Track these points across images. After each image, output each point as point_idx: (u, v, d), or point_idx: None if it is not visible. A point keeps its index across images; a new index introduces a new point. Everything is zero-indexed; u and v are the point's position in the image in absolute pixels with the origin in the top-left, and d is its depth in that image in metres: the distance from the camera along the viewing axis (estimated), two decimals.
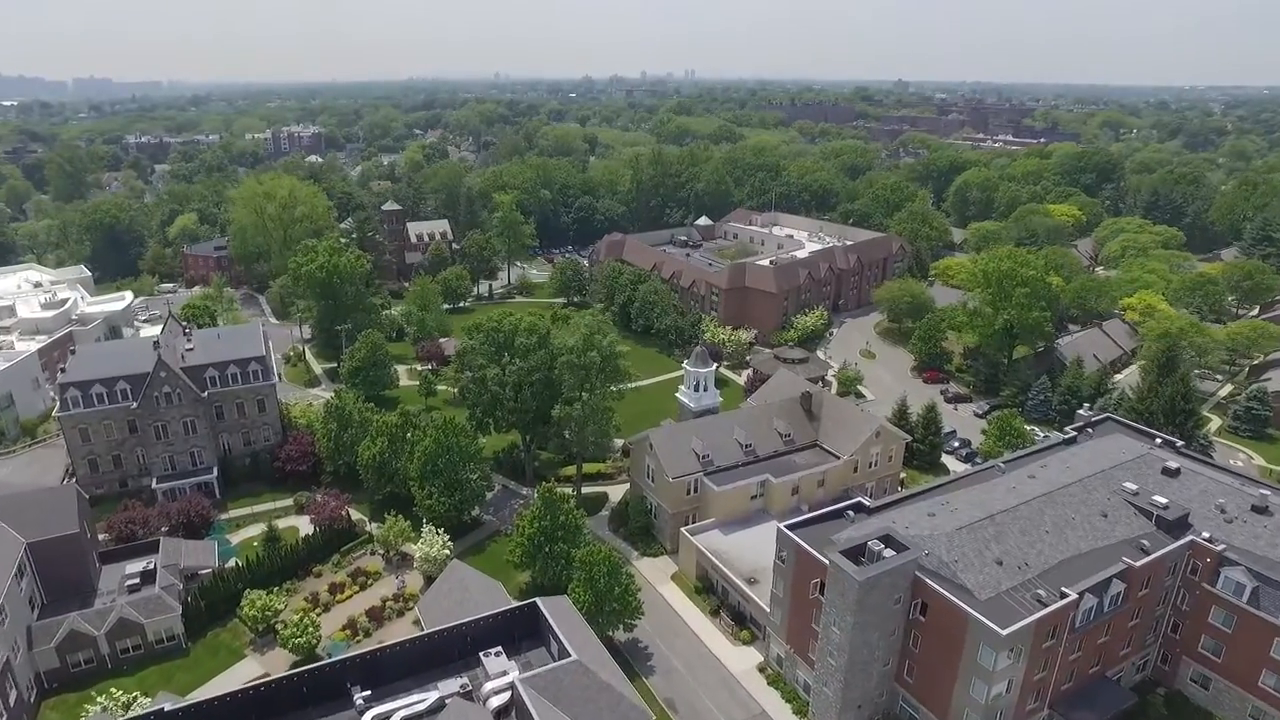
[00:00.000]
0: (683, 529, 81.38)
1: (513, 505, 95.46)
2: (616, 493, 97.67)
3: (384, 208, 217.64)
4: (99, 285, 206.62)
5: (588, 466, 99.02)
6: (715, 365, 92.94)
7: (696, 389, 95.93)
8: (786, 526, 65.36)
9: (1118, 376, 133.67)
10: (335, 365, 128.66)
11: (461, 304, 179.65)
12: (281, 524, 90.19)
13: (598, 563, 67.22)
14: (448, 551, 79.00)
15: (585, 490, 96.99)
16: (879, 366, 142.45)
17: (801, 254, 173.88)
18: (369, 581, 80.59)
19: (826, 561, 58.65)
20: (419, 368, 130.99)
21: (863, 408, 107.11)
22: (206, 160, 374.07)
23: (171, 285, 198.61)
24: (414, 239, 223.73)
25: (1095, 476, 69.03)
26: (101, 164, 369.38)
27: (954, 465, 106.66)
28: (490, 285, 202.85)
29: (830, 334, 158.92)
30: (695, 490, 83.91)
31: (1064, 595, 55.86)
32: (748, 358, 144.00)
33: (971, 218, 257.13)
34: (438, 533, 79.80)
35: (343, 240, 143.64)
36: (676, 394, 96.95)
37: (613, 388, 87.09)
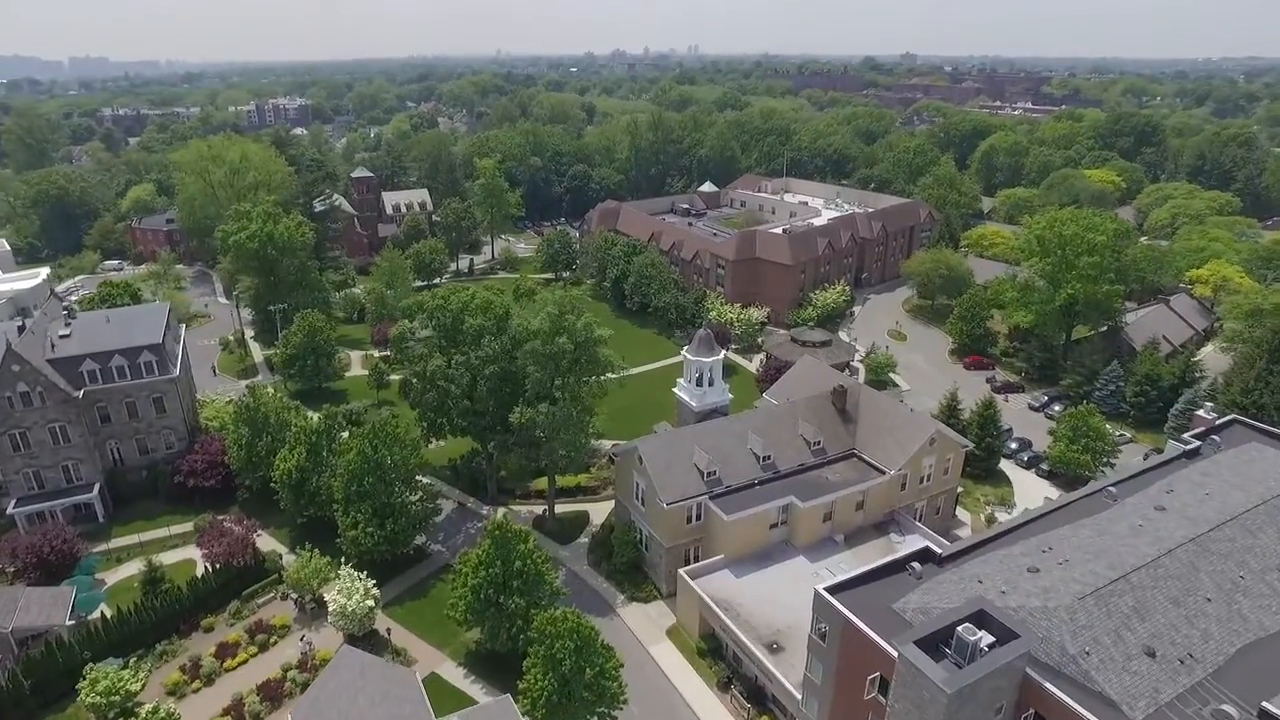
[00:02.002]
0: (681, 571, 62.19)
1: (469, 530, 76.42)
2: (601, 511, 78.58)
3: (353, 175, 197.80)
4: (46, 262, 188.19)
5: (566, 478, 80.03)
6: (723, 352, 73.57)
7: (699, 383, 76.39)
8: (829, 590, 46.02)
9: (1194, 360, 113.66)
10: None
11: (437, 281, 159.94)
12: (174, 557, 71.45)
13: (562, 635, 48.14)
14: (371, 603, 60.02)
15: (561, 509, 77.93)
16: (911, 350, 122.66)
17: (819, 222, 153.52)
18: (272, 639, 61.71)
19: (893, 653, 39.44)
20: (375, 353, 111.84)
21: (901, 399, 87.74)
22: (181, 132, 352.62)
23: (117, 262, 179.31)
24: (390, 210, 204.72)
25: (1260, 510, 49.51)
26: (66, 135, 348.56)
27: (1015, 473, 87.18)
28: (471, 260, 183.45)
29: (852, 312, 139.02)
30: (698, 518, 64.68)
31: (1266, 715, 36.54)
32: (760, 340, 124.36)
33: (999, 185, 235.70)
34: (359, 578, 60.69)
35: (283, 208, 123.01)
36: (675, 390, 77.36)
37: (591, 381, 67.35)
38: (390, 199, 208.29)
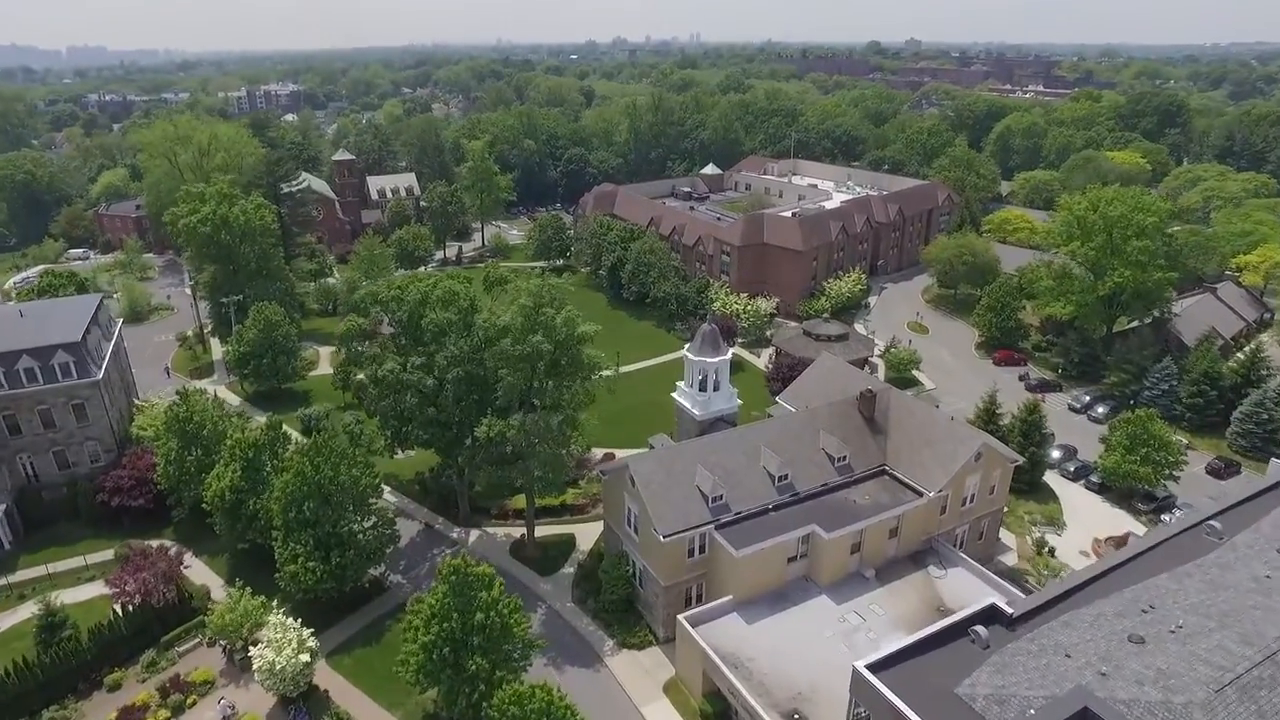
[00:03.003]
0: (681, 617, 51.69)
1: (437, 557, 65.99)
2: (590, 534, 68.11)
3: (335, 158, 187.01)
4: (14, 251, 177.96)
5: (549, 496, 69.50)
6: (730, 350, 62.80)
7: (703, 387, 65.06)
8: (871, 666, 35.53)
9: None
10: None
11: (421, 269, 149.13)
12: (89, 592, 61.22)
13: (530, 717, 37.72)
14: (307, 657, 49.62)
15: (544, 532, 67.46)
16: (934, 343, 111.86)
17: (830, 205, 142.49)
18: (190, 699, 51.33)
19: None
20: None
21: (937, 404, 77.09)
22: (165, 117, 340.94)
23: (83, 250, 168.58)
24: (375, 195, 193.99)
25: None
26: (48, 122, 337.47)
27: (1061, 486, 76.56)
28: (460, 248, 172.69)
29: (868, 303, 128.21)
30: (702, 549, 54.20)
31: None
32: (768, 333, 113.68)
33: (1015, 168, 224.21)
34: (292, 627, 50.26)
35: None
36: (674, 395, 66.62)
37: (574, 387, 56.63)
38: (375, 183, 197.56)
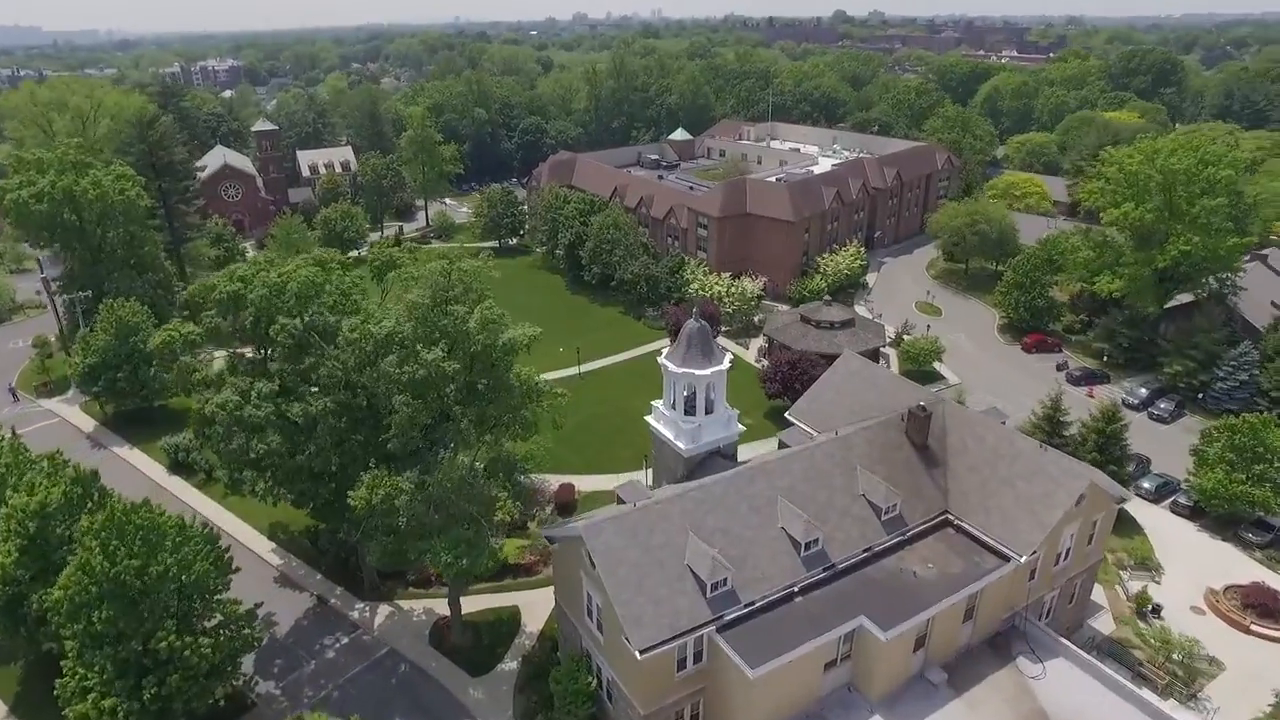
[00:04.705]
0: None
1: (331, 650, 47.75)
2: (541, 605, 50.21)
3: (254, 128, 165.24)
4: None
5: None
6: (727, 357, 44.52)
7: (690, 410, 44.82)
8: None
9: None
10: None
11: (354, 254, 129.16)
12: None
13: None
14: None
15: (479, 605, 49.43)
16: (950, 327, 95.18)
17: (818, 170, 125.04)
18: None
19: None
20: (246, 353, 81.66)
21: (949, 393, 60.09)
22: None
23: None
24: (307, 170, 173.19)
25: None
26: None
27: (1142, 511, 60.17)
28: (400, 228, 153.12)
29: (866, 281, 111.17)
30: (698, 658, 36.62)
31: None
32: (757, 319, 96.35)
33: (1006, 132, 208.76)
34: None
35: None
36: (649, 420, 47.96)
37: (505, 420, 38.36)
38: (306, 158, 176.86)
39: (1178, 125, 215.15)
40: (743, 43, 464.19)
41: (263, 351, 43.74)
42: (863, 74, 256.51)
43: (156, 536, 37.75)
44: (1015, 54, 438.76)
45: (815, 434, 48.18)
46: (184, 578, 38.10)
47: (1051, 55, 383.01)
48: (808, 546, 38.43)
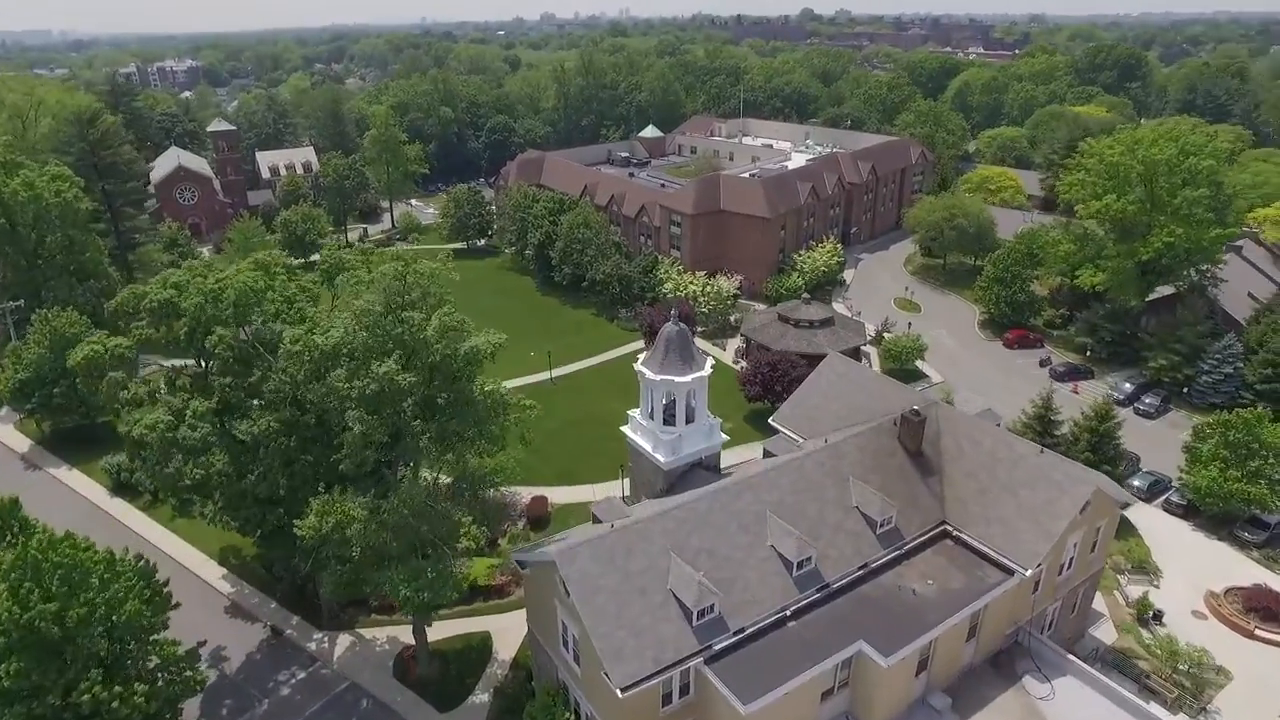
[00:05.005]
0: None
1: (286, 686, 44.06)
2: (513, 630, 46.88)
3: (210, 128, 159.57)
4: None
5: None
6: (709, 362, 41.62)
7: (669, 419, 41.46)
8: None
9: None
10: None
11: (314, 258, 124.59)
12: None
13: None
14: None
15: (447, 633, 45.93)
16: (930, 324, 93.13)
17: (792, 166, 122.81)
18: None
19: None
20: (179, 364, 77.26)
21: (934, 391, 57.59)
22: None
23: None
24: (267, 172, 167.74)
25: None
26: None
27: (1137, 512, 58.15)
28: (364, 230, 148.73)
29: (843, 278, 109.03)
30: (685, 691, 33.58)
31: None
32: (733, 319, 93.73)
33: (976, 127, 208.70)
34: None
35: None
36: (625, 430, 44.86)
37: (468, 436, 35.01)
38: (266, 160, 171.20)
39: (1143, 119, 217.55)
40: (711, 40, 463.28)
41: (201, 365, 39.98)
42: (833, 70, 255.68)
43: (80, 574, 33.87)
44: (982, 50, 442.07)
45: (801, 440, 45.42)
46: (114, 618, 34.34)
47: (1018, 51, 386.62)
48: (800, 566, 35.60)
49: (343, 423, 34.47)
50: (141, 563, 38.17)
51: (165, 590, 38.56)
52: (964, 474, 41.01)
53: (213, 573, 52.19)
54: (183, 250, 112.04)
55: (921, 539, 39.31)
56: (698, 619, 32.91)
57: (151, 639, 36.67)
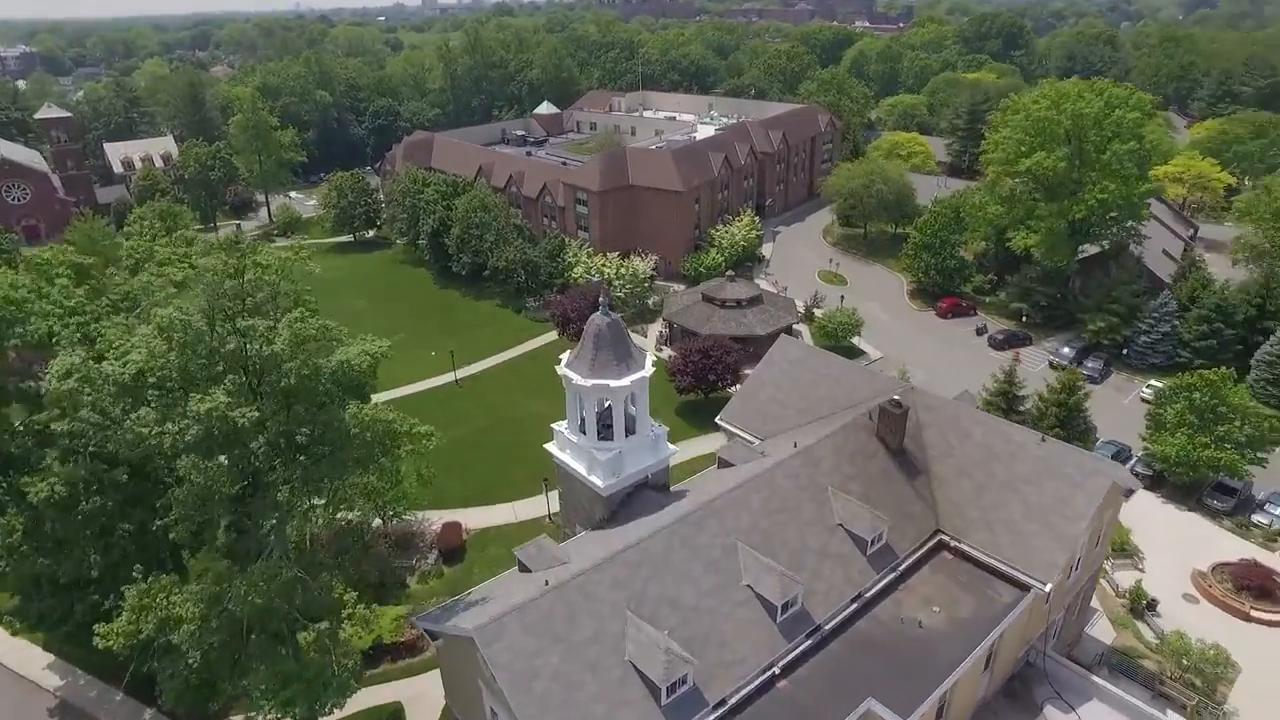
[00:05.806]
0: None
1: None
2: (431, 698, 38.30)
3: (39, 115, 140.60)
4: None
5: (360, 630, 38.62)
6: (649, 359, 34.27)
7: (604, 433, 32.88)
8: None
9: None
10: None
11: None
12: None
13: None
14: None
15: (343, 712, 36.91)
16: (858, 296, 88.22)
17: (699, 136, 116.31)
18: None
19: None
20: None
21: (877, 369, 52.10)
22: None
23: None
24: (119, 166, 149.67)
25: None
26: None
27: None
28: (238, 226, 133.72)
29: (762, 253, 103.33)
30: None
31: None
32: (651, 302, 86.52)
33: (874, 95, 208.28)
34: None
35: None
36: (551, 450, 36.79)
37: (344, 486, 26.22)
38: (117, 151, 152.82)
39: (1036, 80, 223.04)
40: (601, 19, 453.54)
41: None
42: (728, 43, 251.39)
43: None
44: (868, 24, 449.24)
45: (758, 442, 38.52)
46: None
47: (902, 25, 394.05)
48: (785, 608, 28.55)
49: (174, 473, 25.15)
50: None
51: None
52: (955, 472, 34.93)
53: (34, 661, 40.97)
54: (7, 256, 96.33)
55: (917, 555, 33.00)
56: (668, 696, 25.39)
57: None
